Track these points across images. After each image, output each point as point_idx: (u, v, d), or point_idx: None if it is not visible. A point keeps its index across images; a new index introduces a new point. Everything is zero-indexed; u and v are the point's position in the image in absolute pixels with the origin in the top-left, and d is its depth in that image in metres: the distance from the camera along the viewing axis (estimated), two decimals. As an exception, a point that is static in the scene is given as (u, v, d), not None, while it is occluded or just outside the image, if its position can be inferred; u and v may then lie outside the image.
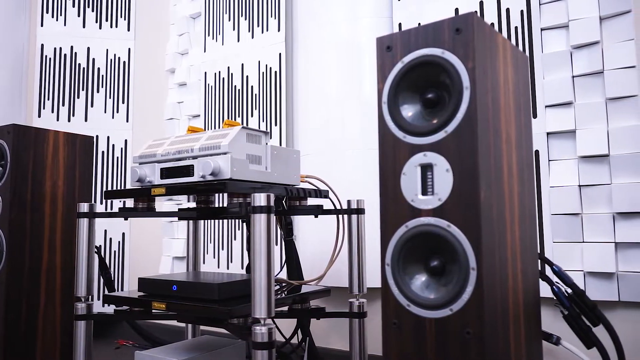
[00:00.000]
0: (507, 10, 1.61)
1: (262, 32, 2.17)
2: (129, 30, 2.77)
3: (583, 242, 1.44)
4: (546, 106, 1.52)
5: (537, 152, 1.52)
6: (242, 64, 2.23)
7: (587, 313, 1.19)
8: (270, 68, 2.13)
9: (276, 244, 2.05)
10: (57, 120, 2.69)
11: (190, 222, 1.85)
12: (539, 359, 1.14)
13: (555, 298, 1.22)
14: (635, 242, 1.36)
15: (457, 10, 1.70)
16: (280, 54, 2.10)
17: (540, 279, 1.21)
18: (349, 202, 1.46)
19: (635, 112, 1.39)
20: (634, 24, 1.42)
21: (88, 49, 2.73)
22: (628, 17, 1.41)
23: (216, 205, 1.53)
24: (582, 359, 1.31)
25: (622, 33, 1.42)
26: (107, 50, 2.74)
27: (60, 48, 2.73)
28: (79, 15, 2.75)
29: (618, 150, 1.40)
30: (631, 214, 1.37)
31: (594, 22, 1.45)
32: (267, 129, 2.11)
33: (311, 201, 1.74)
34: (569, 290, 1.22)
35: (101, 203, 2.62)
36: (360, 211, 1.46)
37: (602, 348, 1.18)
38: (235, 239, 2.20)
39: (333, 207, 1.53)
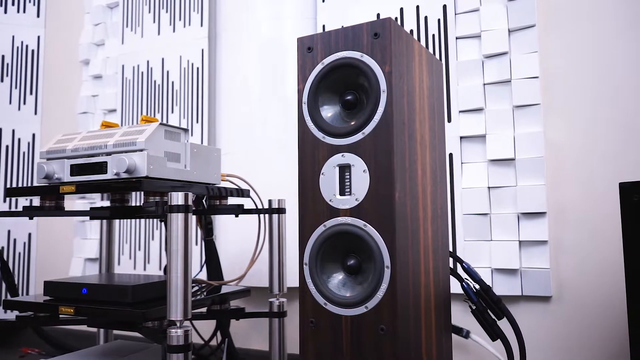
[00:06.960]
0: (426, 18, 1.67)
1: (185, 26, 2.12)
2: (38, 16, 2.59)
3: (491, 240, 1.53)
4: (460, 111, 1.59)
5: (451, 155, 1.60)
6: (163, 59, 2.15)
7: (493, 307, 1.27)
8: (192, 64, 2.08)
9: (196, 244, 2.00)
10: (-46, 110, 2.46)
11: (104, 221, 1.76)
12: (449, 351, 1.20)
13: (464, 294, 1.29)
14: (536, 240, 1.47)
15: (378, 15, 1.75)
16: (202, 49, 2.06)
17: (450, 276, 1.27)
18: (270, 201, 1.46)
19: (538, 119, 1.50)
20: (538, 37, 1.52)
21: (-9, 34, 2.52)
22: (533, 31, 1.52)
23: (132, 204, 1.47)
24: (489, 351, 1.39)
25: (528, 45, 1.52)
26: (12, 37, 2.54)
27: (-41, 32, 2.50)
28: (-20, -2, 2.53)
29: (523, 155, 1.50)
30: (533, 214, 1.47)
31: (503, 33, 1.54)
32: (187, 126, 2.05)
33: (232, 200, 1.71)
34: (477, 286, 1.29)
35: (4, 201, 2.43)
36: (281, 211, 1.46)
37: (505, 340, 1.26)
38: (153, 239, 2.12)
39: (254, 207, 1.52)
